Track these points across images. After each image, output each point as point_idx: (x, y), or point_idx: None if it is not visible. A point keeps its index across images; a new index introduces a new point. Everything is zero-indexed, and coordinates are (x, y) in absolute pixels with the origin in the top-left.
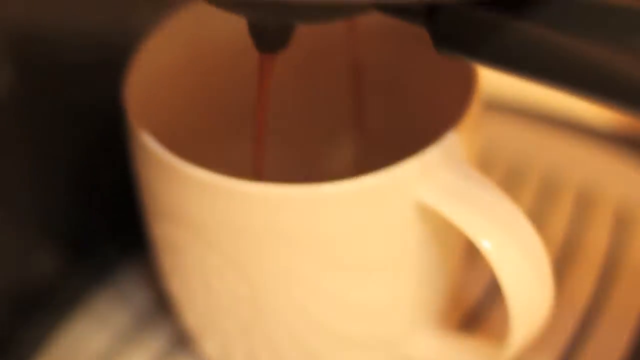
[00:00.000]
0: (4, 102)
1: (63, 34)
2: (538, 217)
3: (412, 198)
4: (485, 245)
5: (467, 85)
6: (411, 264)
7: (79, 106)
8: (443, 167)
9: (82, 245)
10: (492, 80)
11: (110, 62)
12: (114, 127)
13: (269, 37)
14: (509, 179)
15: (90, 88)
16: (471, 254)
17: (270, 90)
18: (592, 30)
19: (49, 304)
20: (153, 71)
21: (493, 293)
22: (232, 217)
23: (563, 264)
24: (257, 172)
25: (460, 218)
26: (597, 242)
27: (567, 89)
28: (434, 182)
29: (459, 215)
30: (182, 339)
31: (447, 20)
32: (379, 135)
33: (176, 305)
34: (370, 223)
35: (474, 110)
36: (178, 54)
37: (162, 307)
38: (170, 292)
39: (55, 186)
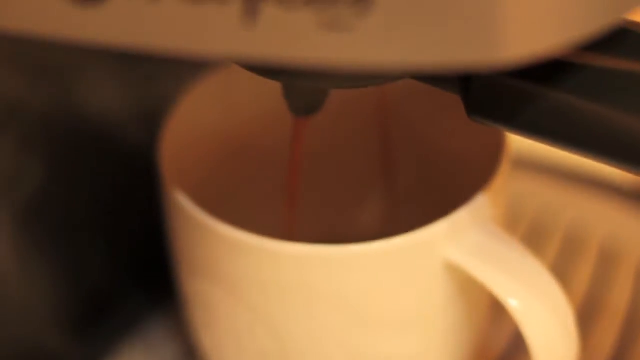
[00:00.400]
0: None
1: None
2: (562, 272)
3: (440, 257)
4: (512, 303)
5: (496, 146)
6: (438, 321)
7: (111, 163)
8: (471, 228)
9: (111, 298)
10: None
11: (145, 120)
12: (144, 182)
13: (303, 101)
14: (534, 234)
15: (122, 144)
16: (496, 308)
17: (303, 152)
18: (624, 99)
19: (78, 357)
20: (188, 131)
21: (517, 346)
22: (263, 275)
23: (587, 320)
24: (290, 231)
25: (488, 277)
26: (619, 297)
27: (596, 158)
28: (462, 242)
29: (486, 274)
30: None
31: (480, 88)
32: (407, 193)
33: (204, 358)
34: (398, 282)
35: (503, 172)
36: (213, 114)
37: None
38: (200, 347)
39: (84, 238)
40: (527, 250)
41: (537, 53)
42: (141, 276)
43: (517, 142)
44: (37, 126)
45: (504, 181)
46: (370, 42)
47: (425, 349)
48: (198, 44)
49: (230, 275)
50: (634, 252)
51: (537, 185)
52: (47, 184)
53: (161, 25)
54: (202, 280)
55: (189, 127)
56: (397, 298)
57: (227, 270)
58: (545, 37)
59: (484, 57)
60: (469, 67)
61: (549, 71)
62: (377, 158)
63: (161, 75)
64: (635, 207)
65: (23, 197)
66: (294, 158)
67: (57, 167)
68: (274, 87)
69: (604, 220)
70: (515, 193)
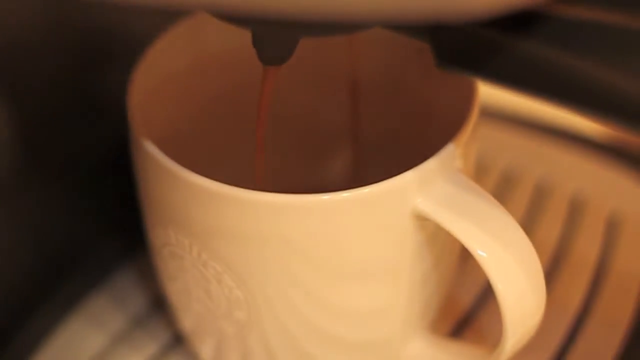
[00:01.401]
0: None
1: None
2: (530, 223)
3: (409, 207)
4: (481, 254)
5: (466, 97)
6: (407, 271)
7: (81, 110)
8: (440, 178)
9: (78, 248)
10: (487, 88)
11: (114, 67)
12: (116, 131)
13: (273, 50)
14: (503, 186)
15: (93, 91)
16: (464, 261)
17: (271, 101)
18: (590, 49)
19: (45, 306)
20: (157, 79)
21: (484, 299)
22: (231, 224)
23: (554, 270)
24: (258, 180)
25: (457, 228)
26: (588, 249)
27: (565, 106)
28: (432, 192)
29: (456, 225)
30: (177, 341)
31: (450, 37)
32: (376, 144)
33: (172, 308)
34: (368, 232)
35: (473, 123)
36: (182, 63)
37: (157, 310)
38: (168, 296)
39: (52, 188)
40: (496, 202)
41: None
42: (110, 226)
43: (487, 94)
44: None
45: (473, 132)
46: None
47: (394, 299)
48: None
49: (198, 224)
50: (603, 204)
51: (507, 137)
52: (11, 128)
53: None
54: (171, 229)
55: (158, 76)
56: (367, 248)
57: (195, 219)
58: None
59: (458, 4)
60: (442, 16)
61: (518, 20)
62: (346, 108)
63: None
64: (605, 159)
65: None
66: (262, 106)
67: (21, 110)
68: (243, 35)
69: (573, 171)
70: (485, 145)
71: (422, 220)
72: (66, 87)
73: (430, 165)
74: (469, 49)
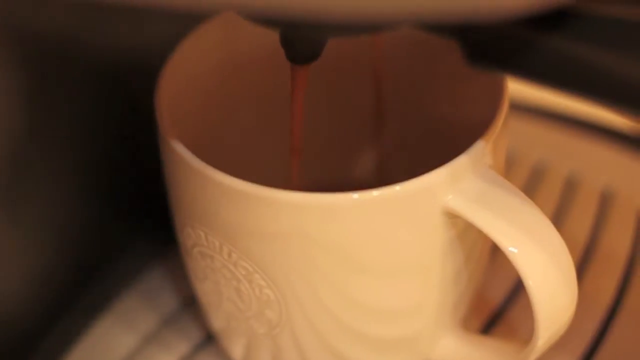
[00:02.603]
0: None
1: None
2: (560, 218)
3: (440, 204)
4: (512, 250)
5: (494, 93)
6: (438, 268)
7: (110, 110)
8: (471, 175)
9: (109, 248)
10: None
11: (143, 68)
12: (145, 131)
13: (301, 50)
14: (532, 180)
15: (121, 91)
16: (494, 258)
17: (303, 100)
18: (618, 45)
19: (77, 306)
20: (186, 79)
21: (514, 294)
22: (261, 224)
23: (585, 265)
24: (294, 180)
25: (488, 224)
26: (619, 244)
27: (595, 102)
28: (463, 189)
29: (487, 221)
30: (208, 341)
31: (479, 35)
32: (404, 141)
33: (203, 307)
34: (398, 230)
35: (503, 119)
36: (211, 62)
37: (188, 309)
38: (198, 295)
39: (84, 187)
40: (527, 198)
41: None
42: (141, 226)
43: (515, 87)
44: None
45: (503, 128)
46: None
47: (425, 296)
48: None
49: (228, 224)
50: (633, 197)
51: (535, 131)
52: (42, 129)
53: None
54: (201, 230)
55: (187, 75)
56: (397, 246)
57: (225, 219)
58: None
59: (489, 3)
60: (473, 16)
61: (549, 18)
62: (374, 106)
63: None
64: (635, 152)
65: (14, 141)
66: (295, 105)
67: (55, 110)
68: (272, 34)
69: (604, 166)
70: (514, 139)
71: (453, 217)
72: (99, 88)
73: (461, 162)
74: (498, 47)
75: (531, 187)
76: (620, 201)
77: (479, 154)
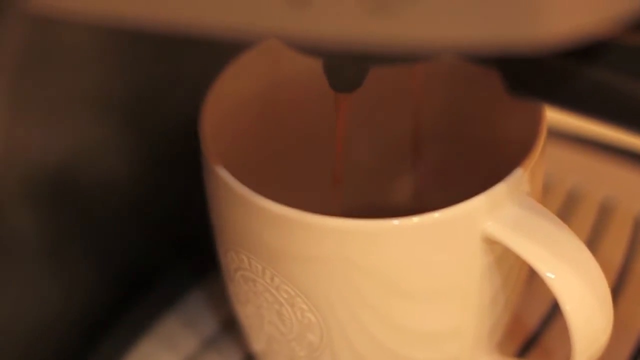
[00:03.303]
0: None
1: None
2: (595, 243)
3: (479, 231)
4: (550, 276)
5: (533, 121)
6: (475, 292)
7: (150, 135)
8: (510, 202)
9: (150, 271)
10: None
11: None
12: (186, 158)
13: (343, 78)
14: (567, 205)
15: (164, 116)
16: (530, 282)
17: (346, 126)
18: None
19: (118, 329)
20: (229, 104)
21: (550, 319)
22: (304, 249)
23: (619, 290)
24: (336, 205)
25: (526, 250)
26: None
27: (635, 131)
28: (501, 216)
29: (525, 247)
30: None
31: (519, 65)
32: (441, 168)
33: (244, 330)
34: (437, 255)
35: (541, 147)
36: (254, 88)
37: (228, 332)
38: (239, 318)
39: (128, 212)
40: (564, 224)
41: (580, 31)
42: (183, 249)
43: (551, 115)
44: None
45: (541, 156)
46: (417, 25)
47: (463, 320)
48: (246, 22)
49: (271, 249)
50: None
51: (570, 156)
52: (82, 156)
53: (210, 5)
54: (244, 254)
55: (231, 101)
56: (436, 271)
57: (268, 244)
58: (588, 14)
59: (529, 34)
60: (513, 47)
61: (588, 49)
62: (412, 132)
63: (203, 47)
64: None
65: (54, 171)
66: (338, 133)
67: (93, 138)
68: (315, 62)
69: (637, 191)
70: (549, 164)
71: (491, 243)
72: (143, 111)
73: (499, 190)
74: (538, 76)
75: (566, 212)
76: None
77: (517, 181)
